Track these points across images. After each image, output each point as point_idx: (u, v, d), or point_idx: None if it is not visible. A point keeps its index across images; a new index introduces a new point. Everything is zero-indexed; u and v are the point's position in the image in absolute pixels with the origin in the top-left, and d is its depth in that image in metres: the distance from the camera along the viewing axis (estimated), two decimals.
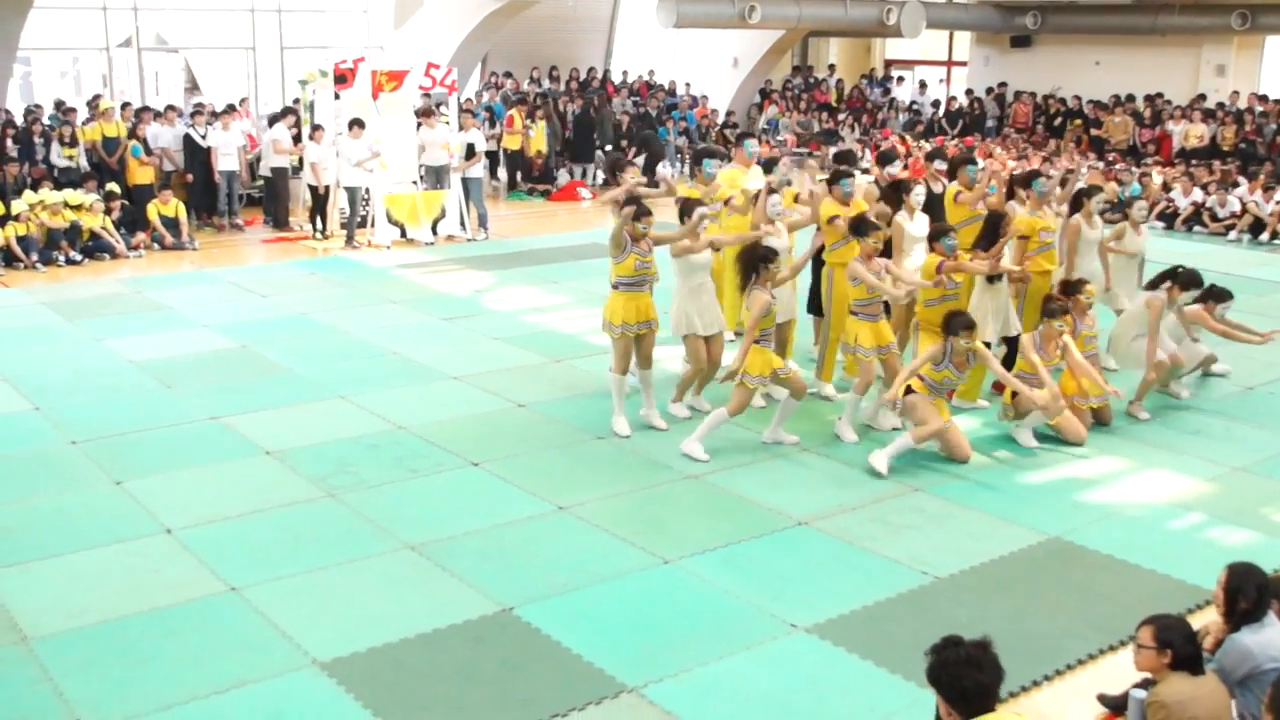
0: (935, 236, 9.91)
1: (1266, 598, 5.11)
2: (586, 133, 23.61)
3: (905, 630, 6.51)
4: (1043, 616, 6.74)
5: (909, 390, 8.81)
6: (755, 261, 9.01)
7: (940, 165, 11.62)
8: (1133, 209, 11.98)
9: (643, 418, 9.70)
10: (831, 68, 30.75)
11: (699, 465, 8.87)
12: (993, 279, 9.96)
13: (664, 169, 22.33)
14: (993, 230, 9.94)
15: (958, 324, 8.70)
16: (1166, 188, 20.45)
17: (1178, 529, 8.01)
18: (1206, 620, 5.84)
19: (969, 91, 28.05)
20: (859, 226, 9.48)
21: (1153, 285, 10.24)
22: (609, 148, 23.36)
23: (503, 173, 23.07)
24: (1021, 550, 7.56)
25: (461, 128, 18.70)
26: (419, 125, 18.57)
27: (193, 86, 22.58)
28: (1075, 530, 7.87)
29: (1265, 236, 18.51)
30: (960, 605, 6.81)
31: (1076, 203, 11.31)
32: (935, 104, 28.70)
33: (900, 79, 30.69)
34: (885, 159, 12.08)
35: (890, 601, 6.87)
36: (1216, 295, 10.49)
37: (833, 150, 22.31)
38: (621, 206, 9.56)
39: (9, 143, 17.42)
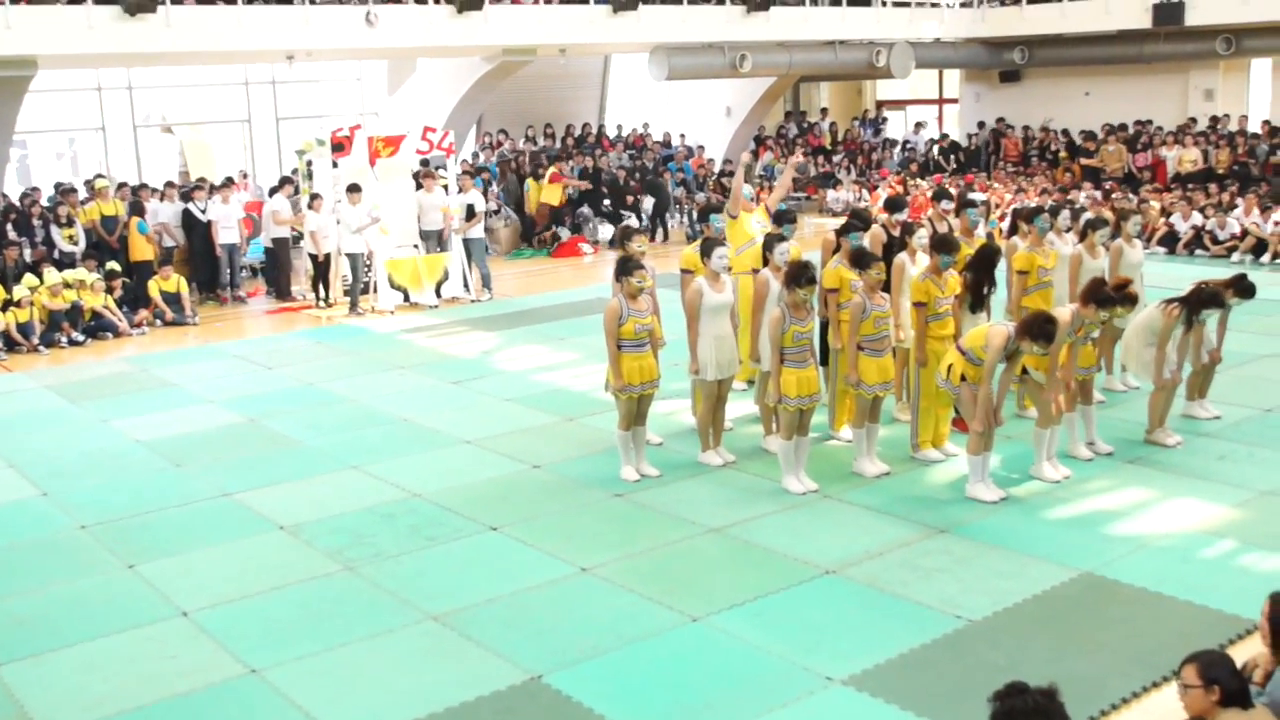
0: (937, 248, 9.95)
1: None
2: (594, 189, 23.89)
3: (944, 678, 6.36)
4: (1082, 655, 6.58)
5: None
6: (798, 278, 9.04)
7: (947, 205, 11.59)
8: (1127, 224, 11.89)
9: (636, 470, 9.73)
10: (824, 111, 30.98)
11: (720, 518, 8.76)
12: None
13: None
14: (982, 262, 10.01)
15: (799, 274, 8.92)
16: (1165, 213, 20.46)
17: (1211, 557, 7.87)
18: (1252, 653, 5.68)
19: (979, 126, 28.15)
20: (859, 259, 9.46)
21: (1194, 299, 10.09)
22: (605, 202, 23.54)
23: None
24: (1054, 588, 7.43)
25: (460, 189, 18.76)
26: (417, 189, 18.65)
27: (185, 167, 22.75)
28: (1107, 564, 7.74)
29: (1267, 258, 18.49)
30: (998, 648, 6.65)
31: (1083, 235, 11.29)
32: (930, 142, 28.85)
33: (885, 119, 30.91)
34: (893, 206, 12.04)
35: (926, 648, 6.72)
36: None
37: (829, 194, 22.38)
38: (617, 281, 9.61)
39: (8, 227, 17.47)
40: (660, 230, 23.69)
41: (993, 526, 8.46)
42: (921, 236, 10.47)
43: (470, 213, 18.37)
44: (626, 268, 9.45)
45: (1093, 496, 8.99)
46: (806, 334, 9.08)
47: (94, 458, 10.98)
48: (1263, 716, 4.73)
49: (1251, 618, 5.22)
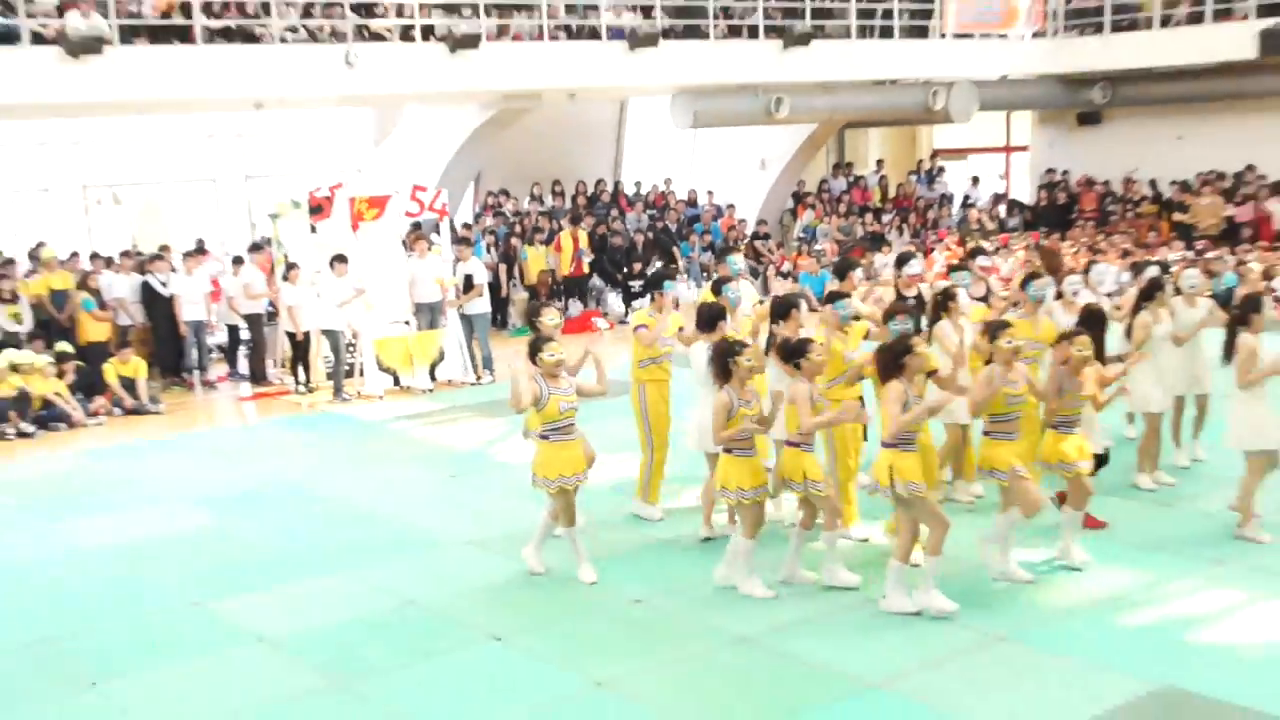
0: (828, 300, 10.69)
1: None
2: (600, 256, 24.28)
3: None
4: None
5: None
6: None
7: (984, 263, 11.98)
8: (1180, 278, 12.29)
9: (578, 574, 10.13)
10: (879, 163, 30.98)
11: (747, 627, 8.96)
12: None
13: (683, 289, 22.73)
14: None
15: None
16: (1269, 275, 20.63)
17: None
18: None
19: (1050, 175, 28.37)
20: (778, 308, 10.20)
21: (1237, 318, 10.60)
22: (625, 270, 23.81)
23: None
24: (1130, 702, 7.56)
25: (458, 258, 18.96)
26: (408, 257, 18.89)
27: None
28: (1190, 675, 7.88)
29: None
30: None
31: (1148, 294, 11.68)
32: (996, 197, 29.00)
33: (942, 169, 30.97)
34: (902, 260, 12.58)
35: None
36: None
37: (877, 258, 22.70)
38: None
39: None
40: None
41: (1056, 633, 8.64)
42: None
43: (469, 284, 18.60)
44: (536, 346, 9.82)
45: (1170, 600, 9.18)
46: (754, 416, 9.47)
47: (42, 568, 11.13)
48: None
49: None
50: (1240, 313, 10.56)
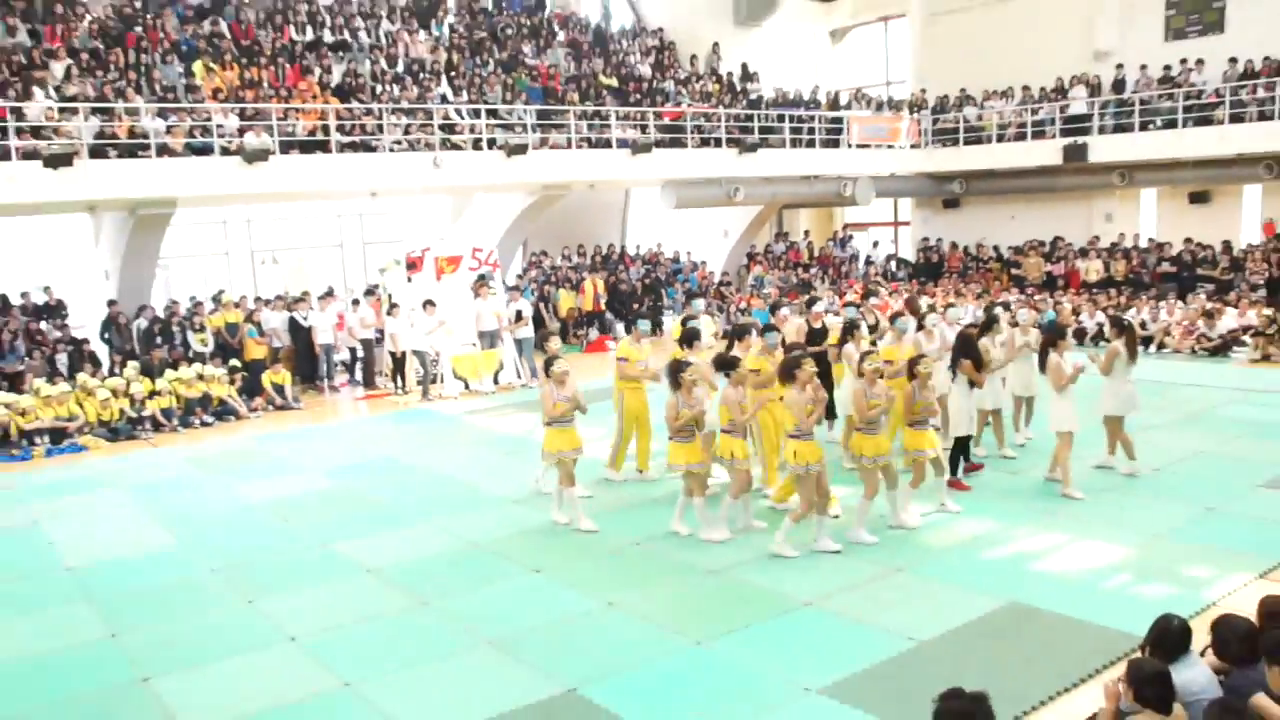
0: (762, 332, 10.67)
1: (1165, 641, 5.05)
2: (612, 297, 24.11)
3: (900, 686, 6.46)
4: (1008, 667, 6.66)
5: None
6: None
7: (877, 301, 12.12)
8: (1017, 314, 12.38)
9: (571, 522, 10.04)
10: (806, 233, 30.99)
11: (719, 562, 8.83)
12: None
13: (667, 319, 22.64)
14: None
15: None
16: (1076, 312, 20.62)
17: (1111, 587, 7.96)
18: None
19: (925, 242, 28.48)
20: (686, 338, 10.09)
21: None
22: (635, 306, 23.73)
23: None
24: (987, 614, 7.51)
25: (510, 300, 19.03)
26: (474, 299, 18.77)
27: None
28: (1029, 594, 7.82)
29: (1154, 348, 18.66)
30: (941, 664, 6.74)
31: (987, 325, 11.54)
32: (888, 257, 29.07)
33: (851, 237, 31.04)
34: (811, 302, 12.62)
35: (885, 664, 6.81)
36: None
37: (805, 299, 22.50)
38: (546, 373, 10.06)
39: (156, 333, 17.76)
40: (658, 328, 23.84)
41: (939, 566, 8.54)
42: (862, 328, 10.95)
43: (519, 316, 18.66)
44: (549, 364, 9.99)
45: (1019, 540, 9.07)
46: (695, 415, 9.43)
47: (221, 516, 11.12)
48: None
49: (1142, 635, 5.27)
50: (1049, 338, 10.61)
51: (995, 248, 27.08)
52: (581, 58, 26.36)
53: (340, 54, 21.77)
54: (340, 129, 19.03)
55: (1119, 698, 4.73)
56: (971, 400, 10.68)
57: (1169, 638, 5.06)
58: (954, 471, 10.66)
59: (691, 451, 9.38)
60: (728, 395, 9.23)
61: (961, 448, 10.79)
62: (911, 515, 9.56)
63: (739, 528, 9.59)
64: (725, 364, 9.42)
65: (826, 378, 11.40)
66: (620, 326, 23.60)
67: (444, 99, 21.69)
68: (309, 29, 22.55)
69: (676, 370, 9.44)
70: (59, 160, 15.51)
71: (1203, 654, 5.26)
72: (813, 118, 25.73)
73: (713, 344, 11.42)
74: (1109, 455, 11.05)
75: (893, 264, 28.61)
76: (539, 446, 10.35)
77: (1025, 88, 25.77)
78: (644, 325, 11.90)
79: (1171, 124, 22.43)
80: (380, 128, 19.43)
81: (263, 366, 17.87)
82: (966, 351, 10.53)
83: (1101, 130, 23.69)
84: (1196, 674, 4.98)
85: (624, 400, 11.57)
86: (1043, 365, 10.48)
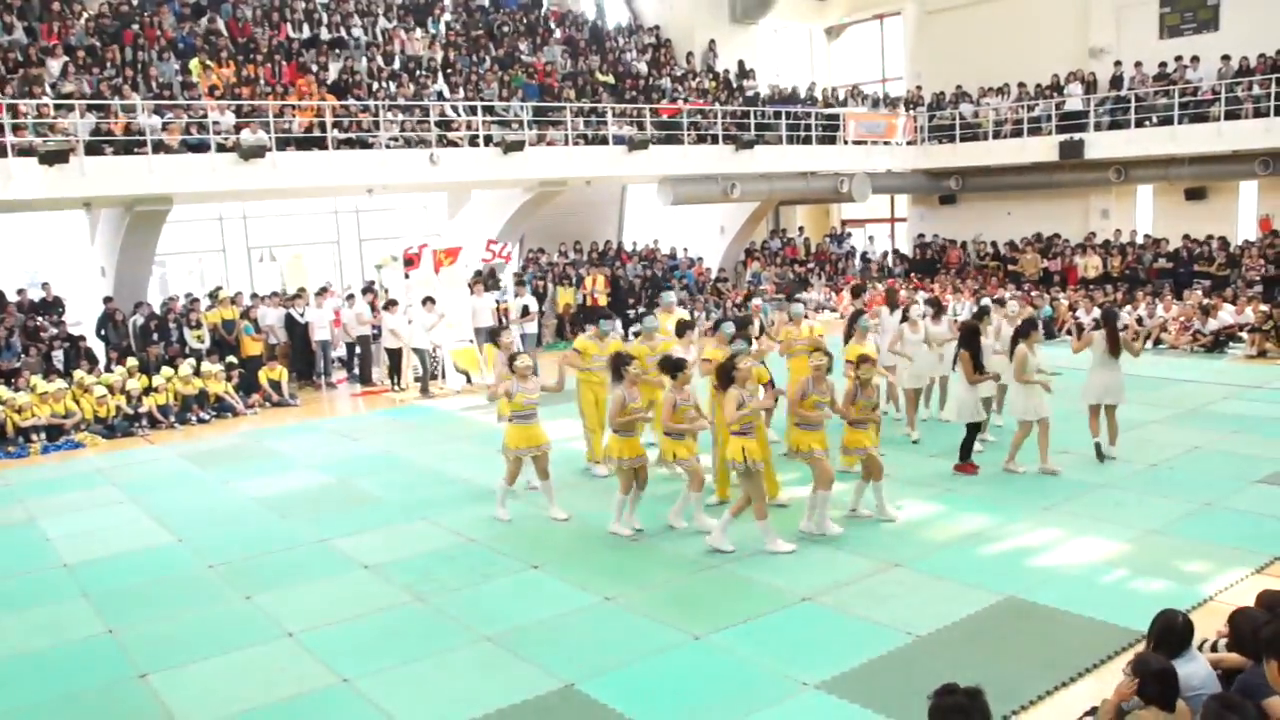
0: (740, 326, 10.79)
1: (1168, 637, 5.04)
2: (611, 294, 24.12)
3: (897, 681, 6.44)
4: (1005, 662, 6.65)
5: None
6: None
7: (868, 297, 12.05)
8: (1008, 307, 12.51)
9: (550, 515, 10.07)
10: (802, 229, 31.06)
11: (716, 557, 8.82)
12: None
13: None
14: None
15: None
16: (1072, 307, 20.63)
17: (1108, 582, 7.95)
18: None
19: (921, 238, 28.39)
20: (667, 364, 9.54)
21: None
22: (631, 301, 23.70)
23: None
24: (985, 609, 7.50)
25: (516, 295, 19.11)
26: (470, 295, 18.78)
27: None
28: (1026, 589, 7.81)
29: (1150, 343, 18.66)
30: (938, 658, 6.73)
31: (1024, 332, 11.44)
32: (885, 253, 29.06)
33: (849, 234, 31.06)
34: (791, 298, 12.77)
35: (882, 659, 6.80)
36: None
37: (803, 294, 22.51)
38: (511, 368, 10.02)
39: (152, 329, 17.69)
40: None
41: (936, 561, 8.52)
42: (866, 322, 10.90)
43: (525, 311, 18.71)
44: (511, 360, 9.98)
45: (1016, 536, 9.06)
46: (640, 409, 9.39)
47: (218, 511, 11.09)
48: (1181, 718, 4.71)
49: (1139, 629, 5.28)
50: (1020, 329, 10.79)
51: (993, 244, 27.09)
52: (578, 55, 26.32)
53: (337, 51, 21.70)
54: (337, 126, 18.98)
55: (1130, 695, 4.71)
56: (974, 391, 10.72)
57: (1173, 634, 5.05)
58: (964, 457, 10.97)
59: (630, 445, 9.33)
60: (665, 398, 9.26)
61: (972, 435, 10.97)
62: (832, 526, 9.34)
63: (693, 525, 9.55)
64: (674, 365, 9.31)
65: None
66: (618, 322, 23.53)
67: (440, 96, 21.65)
68: (305, 26, 22.49)
69: (620, 363, 9.45)
70: (55, 157, 15.47)
71: (1200, 648, 5.26)
72: (809, 114, 25.69)
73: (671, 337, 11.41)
74: (1093, 436, 11.20)
75: (889, 260, 28.61)
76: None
77: (1021, 84, 25.78)
78: (605, 325, 11.91)
79: (1167, 121, 22.47)
80: (377, 125, 19.40)
81: (259, 363, 17.82)
82: (968, 343, 10.59)
83: (1097, 127, 23.71)
84: (1196, 669, 4.97)
85: (579, 392, 11.72)
86: (1012, 355, 10.72)
